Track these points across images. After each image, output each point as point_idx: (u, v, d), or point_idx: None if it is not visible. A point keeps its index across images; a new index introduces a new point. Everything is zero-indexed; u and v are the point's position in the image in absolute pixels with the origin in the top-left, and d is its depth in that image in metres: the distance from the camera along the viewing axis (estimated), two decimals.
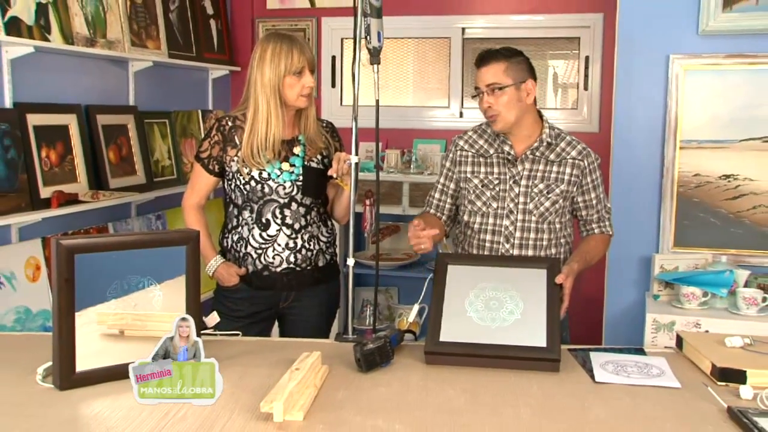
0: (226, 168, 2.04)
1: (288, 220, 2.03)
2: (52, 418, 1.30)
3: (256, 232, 2.03)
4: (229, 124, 2.04)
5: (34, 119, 2.37)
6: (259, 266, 2.04)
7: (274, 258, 2.03)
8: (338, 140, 2.16)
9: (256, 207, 2.02)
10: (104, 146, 2.71)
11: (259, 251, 2.03)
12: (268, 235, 2.03)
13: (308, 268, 2.06)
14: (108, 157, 2.72)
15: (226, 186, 2.09)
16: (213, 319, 1.80)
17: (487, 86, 1.95)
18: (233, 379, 1.48)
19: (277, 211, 2.02)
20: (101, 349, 1.47)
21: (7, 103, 2.31)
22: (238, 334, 1.80)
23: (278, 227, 2.02)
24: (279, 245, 2.03)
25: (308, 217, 2.06)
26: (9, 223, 2.23)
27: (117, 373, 1.42)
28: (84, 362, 1.44)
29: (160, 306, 1.52)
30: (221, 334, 1.79)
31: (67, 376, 1.42)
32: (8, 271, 2.23)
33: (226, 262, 2.06)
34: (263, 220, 2.02)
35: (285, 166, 2.02)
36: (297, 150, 2.04)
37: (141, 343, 1.43)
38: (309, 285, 2.08)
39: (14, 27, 2.25)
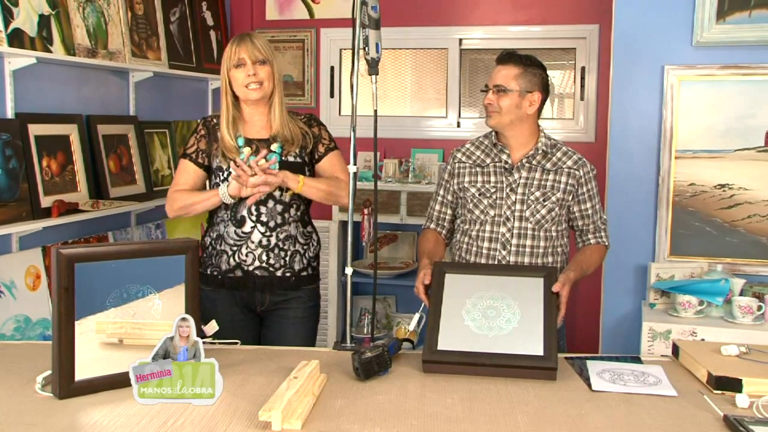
0: (212, 163, 2.05)
1: (263, 218, 2.02)
2: (52, 427, 1.31)
3: (232, 229, 2.03)
4: (214, 121, 2.09)
5: (35, 129, 2.39)
6: (233, 264, 2.03)
7: (247, 255, 2.02)
8: (318, 125, 2.11)
9: (232, 204, 2.02)
10: (105, 156, 2.73)
11: (234, 248, 2.03)
12: (243, 233, 2.02)
13: (282, 269, 2.04)
14: (108, 167, 2.74)
15: (208, 186, 2.10)
16: (212, 327, 1.80)
17: (494, 86, 2.00)
18: (232, 387, 1.48)
19: (253, 208, 2.01)
20: (100, 358, 1.48)
21: (9, 114, 2.33)
22: (236, 343, 1.81)
23: (253, 224, 2.02)
24: (252, 242, 2.02)
25: (285, 216, 2.04)
26: (10, 232, 2.24)
27: (116, 382, 1.43)
28: (83, 371, 1.44)
29: (159, 315, 1.53)
30: (220, 343, 1.79)
31: (67, 384, 1.43)
32: (8, 280, 2.24)
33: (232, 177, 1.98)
34: (238, 217, 2.02)
35: (261, 162, 1.97)
36: (274, 147, 2.04)
37: (140, 352, 1.42)
38: (284, 288, 2.05)
39: (17, 38, 2.27)
